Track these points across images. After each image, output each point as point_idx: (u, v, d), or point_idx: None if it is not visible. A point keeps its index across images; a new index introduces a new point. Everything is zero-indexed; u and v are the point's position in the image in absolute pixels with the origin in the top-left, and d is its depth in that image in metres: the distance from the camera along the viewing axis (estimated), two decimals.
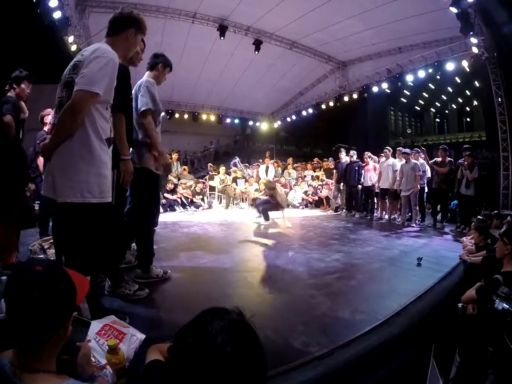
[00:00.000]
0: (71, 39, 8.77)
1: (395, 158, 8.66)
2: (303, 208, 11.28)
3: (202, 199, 10.44)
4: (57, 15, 7.89)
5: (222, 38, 11.38)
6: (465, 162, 7.36)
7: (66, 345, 1.23)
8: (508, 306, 2.04)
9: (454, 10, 8.17)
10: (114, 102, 2.35)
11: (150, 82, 3.17)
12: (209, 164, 13.36)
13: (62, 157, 1.97)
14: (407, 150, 8.20)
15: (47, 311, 0.97)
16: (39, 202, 5.22)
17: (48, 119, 4.42)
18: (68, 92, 2.01)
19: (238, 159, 13.21)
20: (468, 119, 27.88)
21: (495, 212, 6.20)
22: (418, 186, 7.69)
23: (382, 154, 8.98)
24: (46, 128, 4.46)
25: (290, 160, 13.51)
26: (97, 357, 1.60)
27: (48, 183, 2.03)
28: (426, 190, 8.31)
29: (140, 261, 3.31)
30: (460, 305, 2.76)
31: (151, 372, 1.20)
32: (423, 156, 8.33)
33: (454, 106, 29.20)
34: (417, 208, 7.95)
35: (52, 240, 3.50)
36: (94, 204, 2.02)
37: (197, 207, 9.86)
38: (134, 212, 3.17)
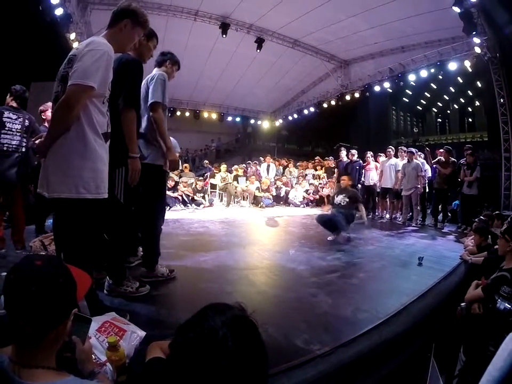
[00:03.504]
0: (72, 36, 8.78)
1: (397, 157, 8.64)
2: (304, 206, 11.29)
3: (203, 197, 10.43)
4: (59, 12, 7.89)
5: (224, 35, 11.36)
6: (466, 161, 7.36)
7: (68, 342, 1.22)
8: (510, 306, 2.03)
9: (457, 10, 8.15)
10: (129, 97, 2.33)
11: (164, 76, 3.08)
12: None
13: (57, 152, 1.95)
14: (413, 149, 8.15)
15: (46, 305, 0.96)
16: None
17: (47, 114, 4.41)
18: (63, 86, 1.99)
19: None
20: (470, 119, 27.78)
21: (497, 212, 6.18)
22: (421, 186, 7.68)
23: (380, 154, 8.98)
24: (46, 124, 4.43)
25: (285, 160, 13.54)
26: (97, 354, 1.59)
27: (43, 179, 2.02)
28: (427, 190, 8.29)
29: (145, 259, 3.26)
30: (463, 304, 2.75)
31: (151, 369, 1.20)
32: (422, 156, 8.31)
33: (456, 106, 29.11)
34: (419, 208, 7.94)
35: (52, 237, 3.49)
36: (90, 199, 2.00)
37: (198, 205, 9.85)
38: (141, 210, 3.15)
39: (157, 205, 3.21)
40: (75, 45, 8.56)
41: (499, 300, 2.13)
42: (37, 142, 3.43)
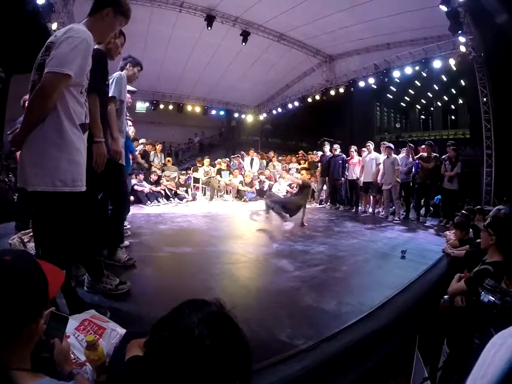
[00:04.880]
0: (54, 26, 8.45)
1: (380, 152, 8.69)
2: None
3: (186, 191, 10.33)
4: (40, 1, 7.62)
5: (209, 28, 11.25)
6: (448, 156, 7.48)
7: (45, 342, 1.17)
8: (493, 299, 2.04)
9: (444, 8, 8.24)
10: (89, 84, 2.25)
11: (121, 75, 3.39)
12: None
13: (32, 144, 1.86)
14: (391, 145, 8.24)
15: (16, 303, 0.91)
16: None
17: None
18: (40, 75, 1.90)
19: None
20: (453, 117, 28.20)
21: (478, 207, 6.29)
22: (399, 180, 7.78)
23: (364, 149, 9.03)
24: None
25: (271, 154, 13.55)
26: (77, 354, 1.53)
27: (20, 173, 1.93)
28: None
29: (107, 242, 3.29)
30: (446, 297, 2.77)
31: (130, 368, 1.15)
32: (405, 150, 8.39)
33: (439, 103, 29.49)
34: (400, 201, 8.03)
35: (32, 234, 3.38)
36: (66, 192, 1.92)
37: (181, 199, 9.74)
38: (103, 202, 3.11)
39: (118, 197, 3.28)
40: None
41: (483, 293, 2.14)
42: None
